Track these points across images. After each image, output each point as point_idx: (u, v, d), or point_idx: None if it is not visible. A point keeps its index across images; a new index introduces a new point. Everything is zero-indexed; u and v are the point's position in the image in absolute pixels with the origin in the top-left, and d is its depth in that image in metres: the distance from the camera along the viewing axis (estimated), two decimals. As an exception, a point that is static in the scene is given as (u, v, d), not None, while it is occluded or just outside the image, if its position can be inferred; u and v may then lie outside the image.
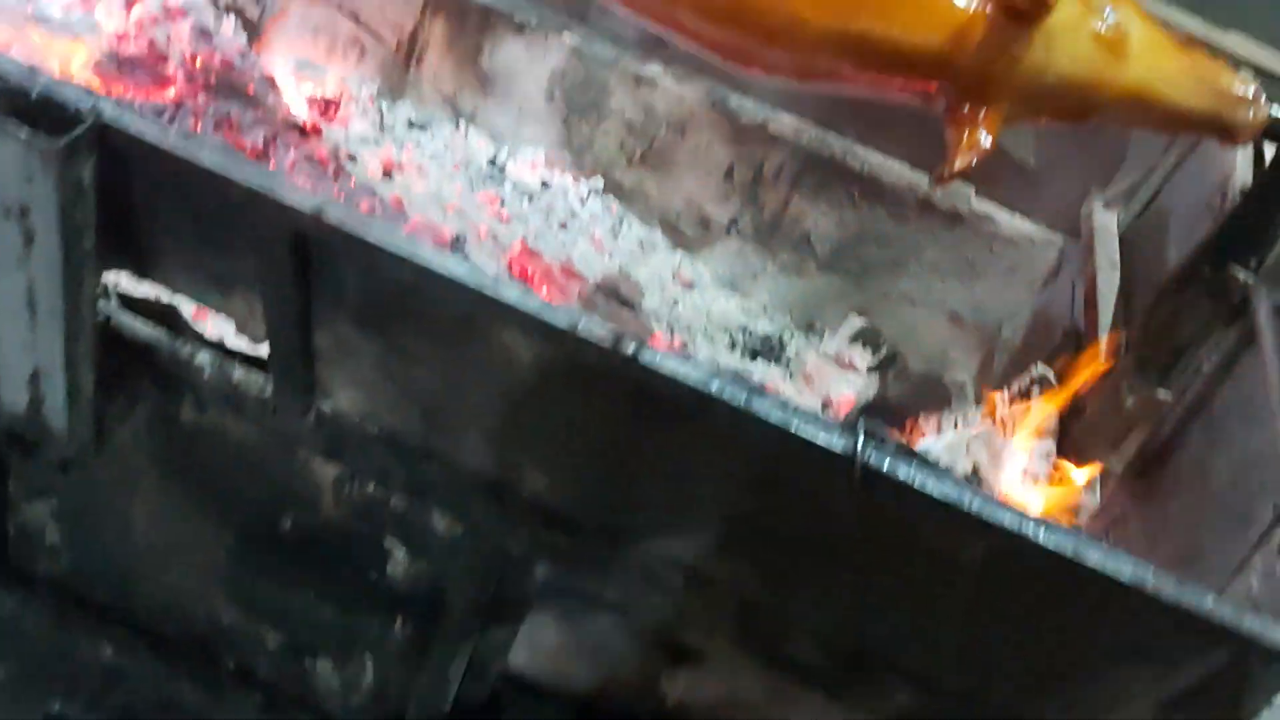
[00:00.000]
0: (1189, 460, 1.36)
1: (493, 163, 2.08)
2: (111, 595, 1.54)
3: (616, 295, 1.98)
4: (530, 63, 2.04)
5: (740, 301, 2.10)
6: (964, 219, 1.94)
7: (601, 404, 0.96)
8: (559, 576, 1.16)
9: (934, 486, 0.87)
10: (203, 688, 1.52)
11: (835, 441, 0.87)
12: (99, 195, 0.93)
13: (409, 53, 2.10)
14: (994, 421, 1.58)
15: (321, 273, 0.97)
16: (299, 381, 1.11)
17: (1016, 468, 1.49)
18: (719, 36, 1.25)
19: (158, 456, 1.30)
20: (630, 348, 0.86)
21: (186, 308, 1.17)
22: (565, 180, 2.10)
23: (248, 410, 1.18)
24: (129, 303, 1.18)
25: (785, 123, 1.96)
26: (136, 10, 1.85)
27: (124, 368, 1.10)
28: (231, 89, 1.84)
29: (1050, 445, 1.47)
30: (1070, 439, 1.48)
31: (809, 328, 2.09)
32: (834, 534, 0.97)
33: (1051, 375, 1.58)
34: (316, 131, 1.91)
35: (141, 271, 1.06)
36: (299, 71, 2.02)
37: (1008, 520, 0.87)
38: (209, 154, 0.88)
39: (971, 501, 0.87)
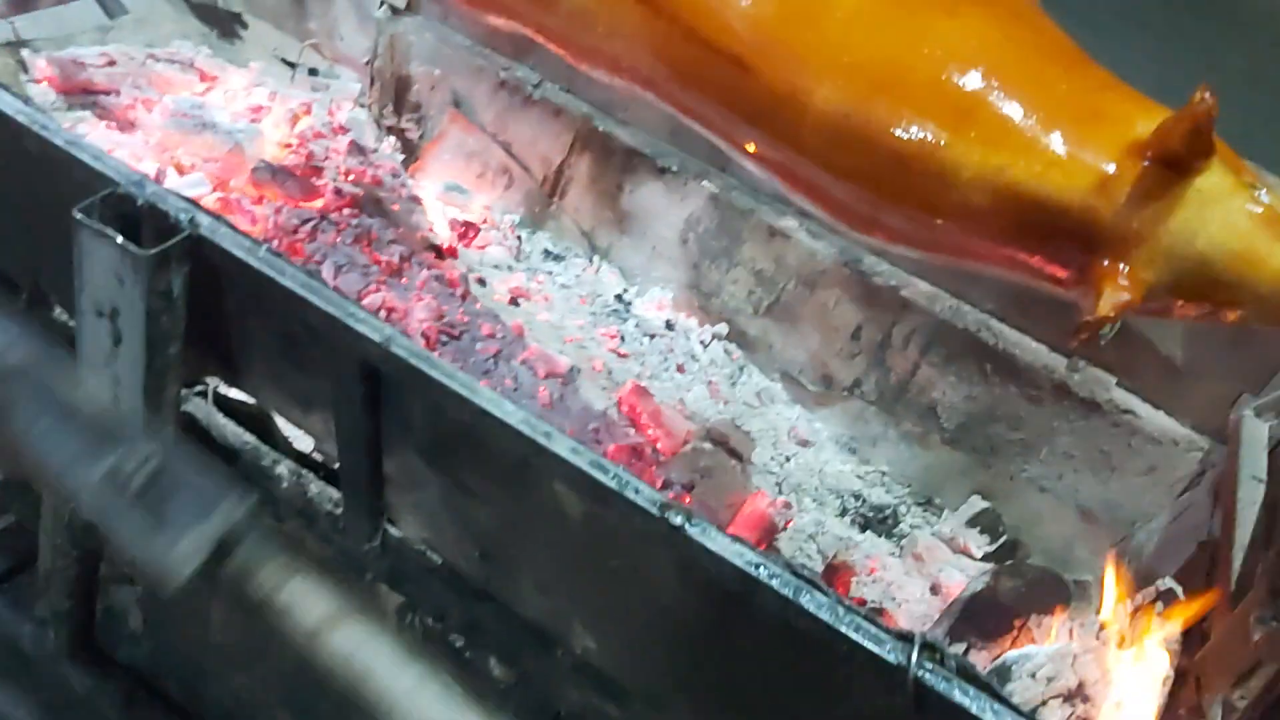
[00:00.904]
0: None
1: (620, 299, 2.09)
2: (182, 691, 1.54)
3: (725, 445, 1.92)
4: (668, 205, 2.06)
5: (857, 466, 2.02)
6: (1102, 408, 1.82)
7: (650, 571, 0.91)
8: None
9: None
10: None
11: (888, 652, 0.79)
12: (193, 302, 0.95)
13: (554, 186, 2.16)
14: (1111, 634, 1.44)
15: (391, 402, 0.96)
16: (367, 504, 1.10)
17: (1127, 689, 1.36)
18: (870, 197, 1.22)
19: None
20: (677, 519, 0.81)
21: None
22: (690, 323, 2.09)
23: (320, 526, 1.18)
24: (224, 403, 1.21)
25: (920, 289, 1.90)
26: (302, 123, 1.96)
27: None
28: (376, 206, 1.91)
29: (1168, 669, 1.33)
30: (1191, 664, 1.33)
31: (927, 503, 1.99)
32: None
33: (1179, 590, 1.44)
34: (452, 253, 1.96)
35: (230, 380, 1.08)
36: (446, 195, 2.09)
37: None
38: (291, 275, 0.90)
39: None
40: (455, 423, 0.92)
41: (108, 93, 1.86)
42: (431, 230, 1.98)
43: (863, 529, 1.90)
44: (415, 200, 1.99)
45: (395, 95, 2.18)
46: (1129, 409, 1.80)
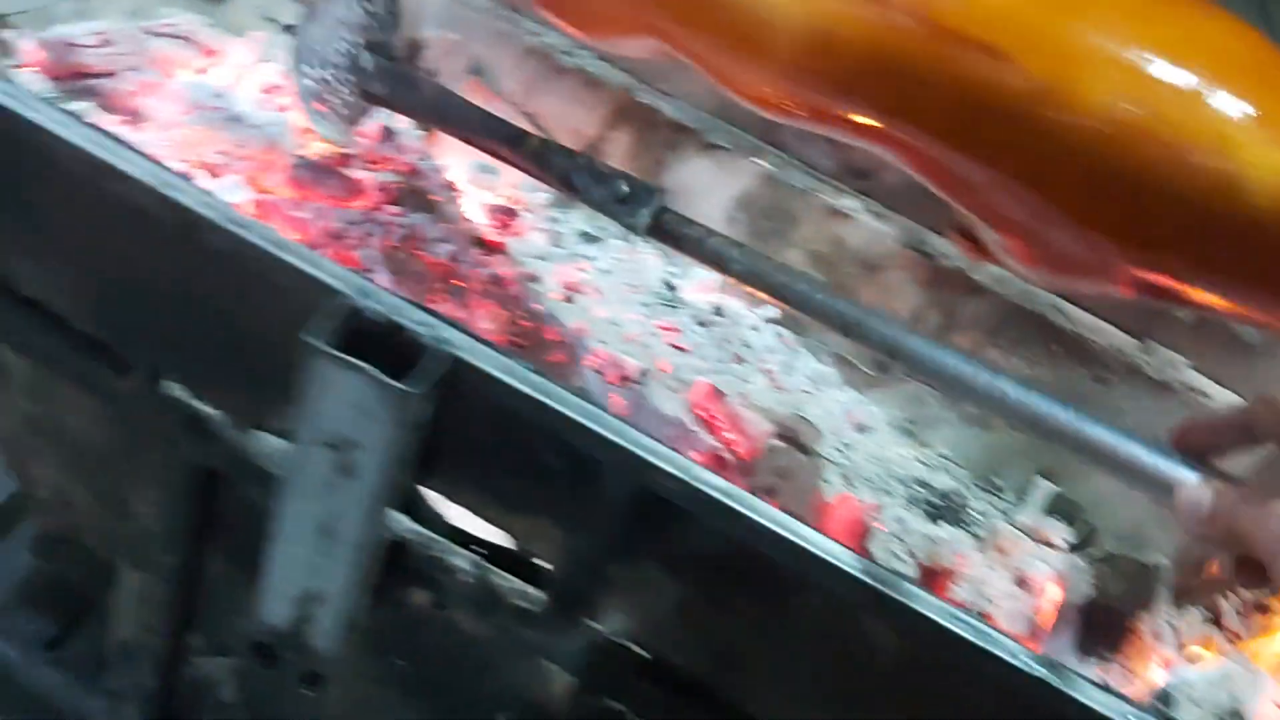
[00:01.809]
0: None
1: (669, 285, 1.98)
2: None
3: (795, 440, 1.86)
4: (715, 183, 1.94)
5: (917, 450, 1.98)
6: (1174, 390, 1.81)
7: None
8: None
9: None
10: None
11: None
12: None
13: (587, 161, 2.00)
14: (1234, 642, 1.45)
15: (658, 522, 0.85)
16: (575, 606, 1.00)
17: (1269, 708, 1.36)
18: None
19: (374, 641, 1.18)
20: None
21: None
22: (738, 307, 1.99)
23: (500, 615, 1.07)
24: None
25: (989, 271, 1.85)
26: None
27: (392, 577, 0.99)
28: (417, 198, 1.74)
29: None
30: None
31: (989, 485, 1.96)
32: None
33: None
34: (498, 247, 1.81)
35: (441, 490, 0.95)
36: (476, 177, 1.92)
37: None
38: (573, 403, 0.77)
39: None
40: (748, 551, 0.82)
41: (105, 75, 1.63)
42: (471, 221, 1.82)
43: (933, 518, 1.87)
44: (451, 187, 1.82)
45: (406, 62, 1.98)
46: (1201, 390, 1.80)
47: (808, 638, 0.89)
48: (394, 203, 1.70)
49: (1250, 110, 0.97)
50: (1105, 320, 1.83)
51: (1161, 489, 0.75)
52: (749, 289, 1.31)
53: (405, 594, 1.08)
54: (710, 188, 1.95)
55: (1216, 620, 1.52)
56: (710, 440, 1.75)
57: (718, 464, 1.71)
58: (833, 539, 0.78)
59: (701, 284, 2.00)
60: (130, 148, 0.78)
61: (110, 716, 1.42)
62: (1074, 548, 1.79)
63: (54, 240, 0.92)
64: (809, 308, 1.28)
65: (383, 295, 0.78)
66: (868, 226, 1.88)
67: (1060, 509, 1.85)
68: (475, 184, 1.93)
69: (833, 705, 0.94)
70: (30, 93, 0.77)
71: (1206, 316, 1.77)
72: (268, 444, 1.05)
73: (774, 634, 0.91)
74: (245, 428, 1.05)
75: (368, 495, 0.82)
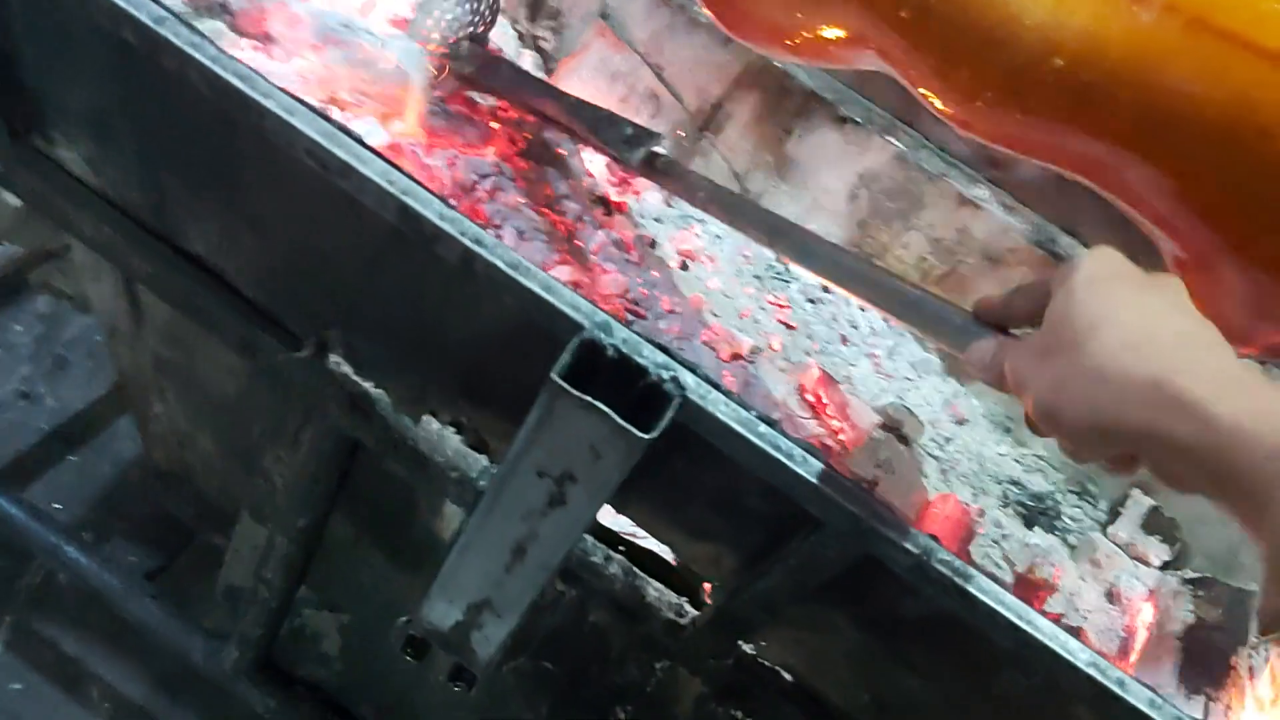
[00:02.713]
0: None
1: (780, 258, 1.92)
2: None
3: (897, 431, 1.82)
4: (842, 157, 1.87)
5: (1013, 449, 1.95)
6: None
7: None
8: None
9: None
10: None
11: None
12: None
13: (707, 120, 1.94)
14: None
15: (864, 584, 0.83)
16: (736, 627, 0.98)
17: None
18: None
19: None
20: None
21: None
22: (847, 284, 1.94)
23: (651, 629, 1.05)
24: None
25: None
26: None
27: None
28: (546, 150, 1.68)
29: None
30: None
31: (1082, 491, 1.93)
32: None
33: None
34: (620, 208, 1.75)
35: (626, 512, 0.92)
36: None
37: None
38: (800, 458, 0.74)
39: None
40: (959, 622, 0.79)
41: (236, -5, 1.56)
42: (594, 177, 1.76)
43: (1027, 523, 1.84)
44: (575, 140, 1.76)
45: (533, -2, 1.91)
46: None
47: (998, 706, 0.86)
48: (522, 154, 1.64)
49: None
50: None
51: (960, 343, 0.86)
52: (716, 215, 1.37)
53: (560, 598, 1.06)
54: (837, 160, 1.88)
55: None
56: (817, 428, 1.71)
57: (826, 452, 1.68)
58: (1057, 626, 0.75)
59: (812, 258, 1.94)
60: (364, 144, 0.73)
61: (208, 654, 1.42)
62: (1165, 565, 1.76)
63: (261, 216, 0.88)
64: (742, 214, 1.33)
65: (620, 330, 0.73)
66: (996, 218, 1.82)
67: (1158, 526, 1.82)
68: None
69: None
70: (269, 81, 0.73)
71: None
72: (426, 430, 1.03)
73: (958, 697, 0.89)
74: (406, 413, 1.02)
75: (573, 526, 0.79)
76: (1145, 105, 0.93)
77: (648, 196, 1.86)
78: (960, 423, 1.93)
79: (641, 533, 1.05)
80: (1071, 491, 1.93)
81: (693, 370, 0.76)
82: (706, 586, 1.03)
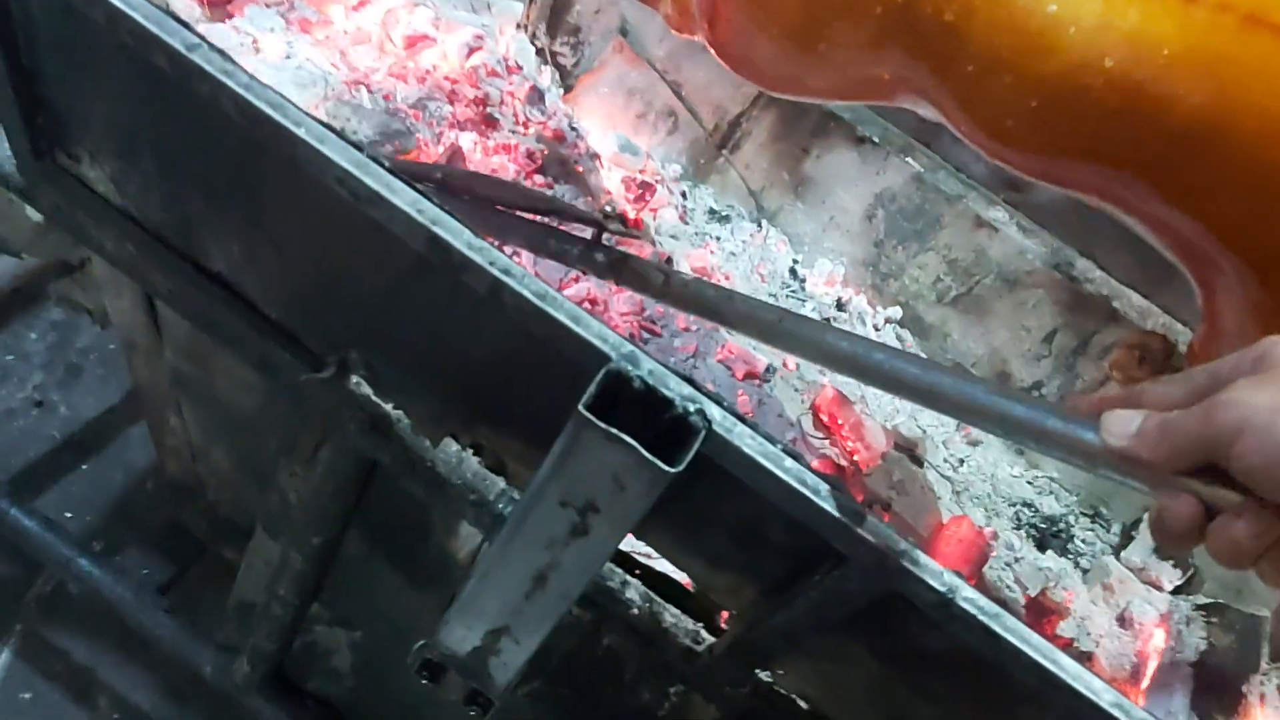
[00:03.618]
0: None
1: (794, 274, 1.92)
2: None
3: (911, 451, 1.82)
4: (859, 177, 1.87)
5: (1026, 471, 1.94)
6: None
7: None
8: None
9: None
10: None
11: None
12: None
13: (725, 138, 1.94)
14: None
15: (888, 619, 0.82)
16: (750, 658, 0.97)
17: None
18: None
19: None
20: None
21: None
22: (860, 303, 1.94)
23: (663, 649, 1.04)
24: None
25: (1133, 301, 1.78)
26: (476, 58, 1.69)
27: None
28: (563, 168, 1.68)
29: None
30: None
31: (1095, 514, 1.93)
32: None
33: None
34: (638, 225, 1.75)
35: (648, 540, 0.92)
36: (619, 156, 1.85)
37: None
38: (825, 493, 0.74)
39: None
40: (981, 659, 0.78)
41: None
42: (611, 195, 1.76)
43: (1040, 546, 1.83)
44: (595, 157, 1.76)
45: (552, 13, 1.90)
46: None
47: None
48: (539, 171, 1.64)
49: None
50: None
51: (1072, 449, 0.69)
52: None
53: (576, 621, 1.06)
54: (854, 180, 1.88)
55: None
56: (830, 448, 1.71)
57: (839, 473, 1.68)
58: (1086, 671, 0.75)
59: (828, 275, 1.94)
60: (391, 170, 0.73)
61: (219, 667, 1.42)
62: (1177, 590, 1.76)
63: (286, 238, 0.87)
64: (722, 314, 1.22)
65: (646, 362, 0.73)
66: (1013, 240, 1.81)
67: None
68: (618, 162, 1.86)
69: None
70: (300, 109, 0.72)
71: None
72: (445, 451, 1.02)
73: (977, 730, 0.88)
74: (426, 434, 1.02)
75: (596, 556, 0.79)
76: (1197, 107, 0.91)
77: (664, 213, 1.86)
78: (973, 444, 1.93)
79: (658, 555, 1.05)
80: (1084, 514, 1.93)
81: (719, 402, 0.75)
82: (724, 614, 1.03)
